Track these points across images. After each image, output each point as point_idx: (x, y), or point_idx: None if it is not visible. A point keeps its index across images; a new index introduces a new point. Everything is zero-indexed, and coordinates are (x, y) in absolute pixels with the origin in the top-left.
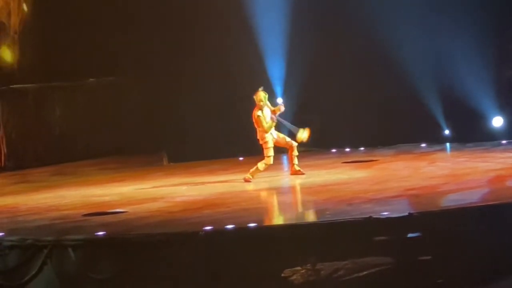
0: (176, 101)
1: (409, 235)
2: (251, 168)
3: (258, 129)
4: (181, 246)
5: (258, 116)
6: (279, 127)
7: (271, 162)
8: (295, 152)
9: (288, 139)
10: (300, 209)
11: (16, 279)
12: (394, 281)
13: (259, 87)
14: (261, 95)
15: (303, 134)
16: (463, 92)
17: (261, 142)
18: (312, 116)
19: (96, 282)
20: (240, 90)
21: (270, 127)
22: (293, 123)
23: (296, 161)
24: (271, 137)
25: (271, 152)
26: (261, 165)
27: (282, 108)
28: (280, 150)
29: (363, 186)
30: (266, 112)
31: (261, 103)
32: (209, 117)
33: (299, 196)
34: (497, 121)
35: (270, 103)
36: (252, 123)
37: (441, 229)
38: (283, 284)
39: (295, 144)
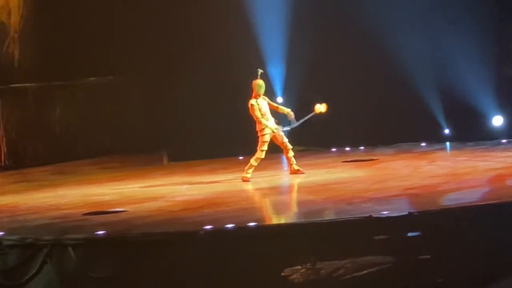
0: (176, 100)
1: (409, 234)
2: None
3: (256, 120)
4: (181, 245)
5: (252, 105)
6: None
7: (263, 156)
8: (290, 153)
9: (285, 139)
10: (300, 208)
11: (16, 279)
12: (394, 280)
13: (257, 69)
14: (257, 83)
15: (321, 108)
16: (463, 91)
17: (259, 134)
18: (312, 116)
19: (96, 281)
20: (240, 90)
21: (270, 128)
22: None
23: (293, 161)
24: (269, 131)
25: (265, 147)
26: (253, 161)
27: (291, 114)
28: (278, 150)
29: (363, 185)
30: (262, 103)
31: (258, 91)
32: (209, 117)
33: (298, 195)
34: (497, 120)
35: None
36: (251, 118)
37: (441, 228)
38: (283, 283)
39: (290, 146)
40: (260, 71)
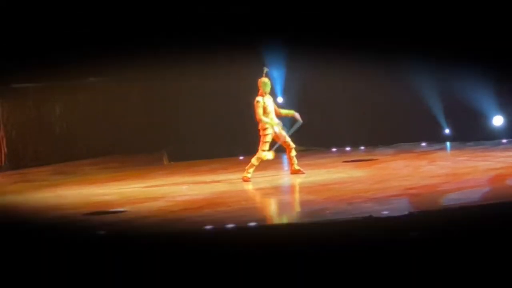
0: (176, 100)
1: (409, 234)
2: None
3: (256, 117)
4: (181, 245)
5: (257, 101)
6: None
7: (264, 156)
8: (293, 153)
9: (288, 139)
10: (300, 208)
11: (16, 279)
12: (394, 280)
13: (264, 67)
14: (263, 81)
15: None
16: (463, 91)
17: (261, 132)
18: (312, 116)
19: (96, 281)
20: (240, 90)
21: (270, 124)
22: (293, 122)
23: (295, 161)
24: (271, 131)
25: (266, 147)
26: (254, 160)
27: (297, 117)
28: (280, 150)
29: (363, 185)
30: (267, 101)
31: (263, 89)
32: (209, 117)
33: (299, 195)
34: (497, 120)
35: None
36: (251, 118)
37: (441, 228)
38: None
39: (293, 145)
40: (265, 69)
